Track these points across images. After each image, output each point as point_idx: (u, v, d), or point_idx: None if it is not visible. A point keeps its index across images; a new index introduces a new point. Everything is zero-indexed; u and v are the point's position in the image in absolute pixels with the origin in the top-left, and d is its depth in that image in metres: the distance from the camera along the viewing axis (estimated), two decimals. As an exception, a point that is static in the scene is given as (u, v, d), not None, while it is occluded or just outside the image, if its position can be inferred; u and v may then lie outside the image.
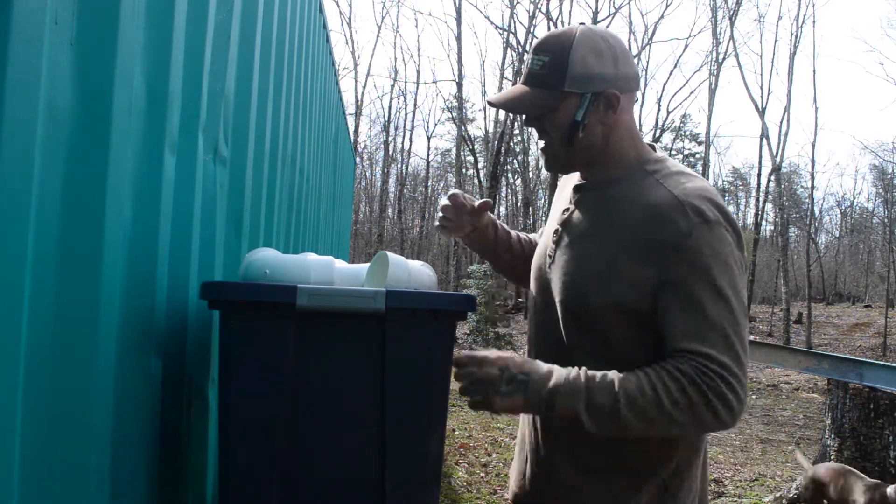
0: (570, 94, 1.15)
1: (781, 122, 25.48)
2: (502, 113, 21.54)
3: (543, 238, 1.34)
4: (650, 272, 1.09)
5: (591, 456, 1.18)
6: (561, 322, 1.21)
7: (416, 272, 1.33)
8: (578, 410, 1.05)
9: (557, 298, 1.21)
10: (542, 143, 1.22)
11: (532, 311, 1.33)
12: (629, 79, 1.18)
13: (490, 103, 1.25)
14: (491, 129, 23.23)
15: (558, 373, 1.08)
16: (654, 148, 1.25)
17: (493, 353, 1.10)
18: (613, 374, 1.07)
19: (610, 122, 1.18)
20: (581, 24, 1.19)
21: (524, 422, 1.34)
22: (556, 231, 1.27)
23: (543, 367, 1.10)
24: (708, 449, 1.31)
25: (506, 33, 21.40)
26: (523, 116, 1.24)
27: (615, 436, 1.08)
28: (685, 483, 1.19)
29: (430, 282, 1.35)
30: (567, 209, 1.27)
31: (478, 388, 1.08)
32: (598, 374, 1.07)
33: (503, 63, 22.60)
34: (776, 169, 20.08)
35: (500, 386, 1.07)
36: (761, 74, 34.37)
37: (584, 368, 1.09)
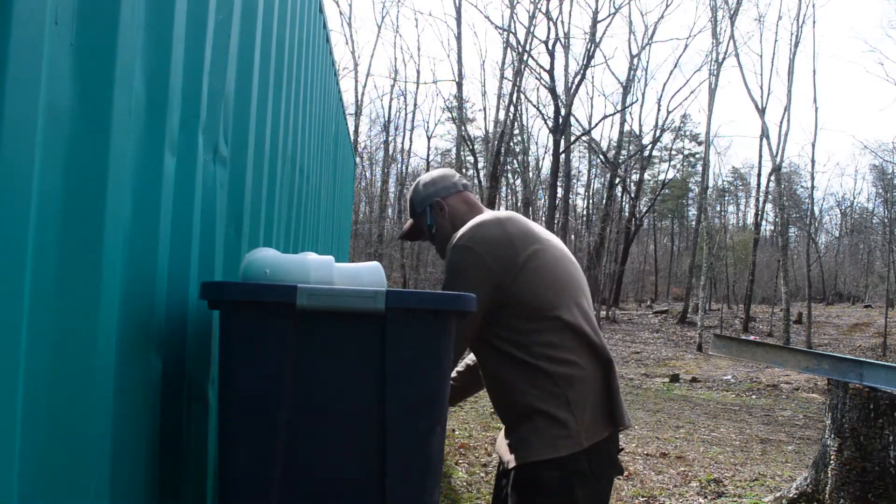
0: (419, 214, 1.91)
1: (781, 122, 25.53)
2: (502, 113, 21.58)
3: None
4: None
5: (498, 405, 1.78)
6: None
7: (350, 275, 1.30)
8: None
9: None
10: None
11: None
12: (447, 187, 1.90)
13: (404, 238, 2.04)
14: (491, 130, 23.23)
15: None
16: (493, 207, 2.09)
17: None
18: None
19: (449, 216, 1.87)
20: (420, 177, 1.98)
21: None
22: None
23: None
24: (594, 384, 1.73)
25: (506, 33, 21.40)
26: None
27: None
28: (558, 413, 1.64)
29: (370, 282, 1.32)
30: None
31: None
32: None
33: (503, 63, 22.61)
34: (776, 169, 20.08)
35: None
36: (761, 74, 34.37)
37: None
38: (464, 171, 24.78)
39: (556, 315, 1.69)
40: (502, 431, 1.82)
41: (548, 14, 19.95)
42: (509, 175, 28.75)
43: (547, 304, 1.70)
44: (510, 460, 1.68)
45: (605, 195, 25.99)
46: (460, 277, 1.68)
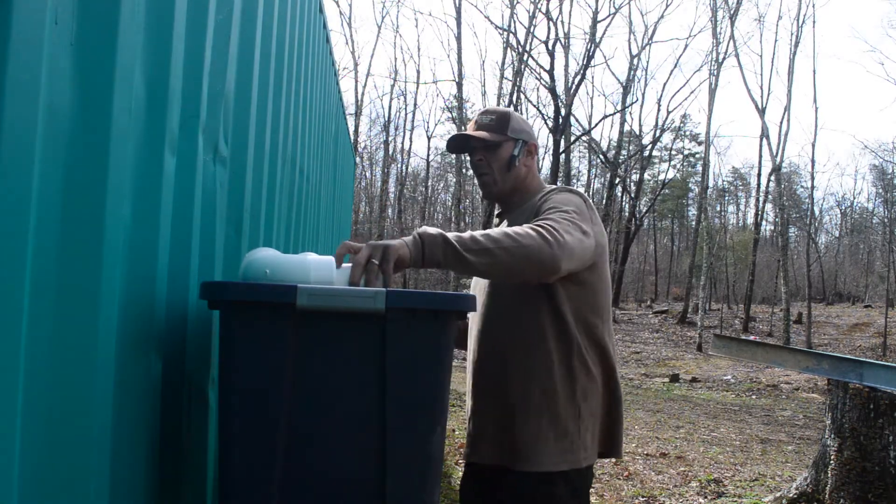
0: (510, 138, 1.75)
1: (781, 122, 25.57)
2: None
3: None
4: None
5: (511, 398, 1.62)
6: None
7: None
8: (446, 250, 1.38)
9: None
10: (483, 175, 1.77)
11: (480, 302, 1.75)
12: (537, 142, 1.84)
13: (451, 143, 1.79)
14: (491, 129, 23.17)
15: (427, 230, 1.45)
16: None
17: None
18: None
19: (529, 163, 1.80)
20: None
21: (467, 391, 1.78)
22: None
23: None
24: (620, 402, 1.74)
25: (506, 33, 21.41)
26: (467, 157, 1.85)
27: (481, 265, 1.40)
28: (590, 419, 1.64)
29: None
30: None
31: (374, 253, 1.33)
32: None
33: (503, 63, 22.61)
34: (776, 169, 20.09)
35: (376, 256, 1.32)
36: (761, 74, 34.37)
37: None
38: (464, 170, 24.79)
39: (605, 321, 1.68)
40: (483, 421, 1.69)
41: (548, 14, 19.96)
42: (509, 175, 28.75)
43: (606, 306, 1.69)
44: (517, 463, 1.60)
45: (605, 195, 26.01)
46: (578, 214, 1.58)
